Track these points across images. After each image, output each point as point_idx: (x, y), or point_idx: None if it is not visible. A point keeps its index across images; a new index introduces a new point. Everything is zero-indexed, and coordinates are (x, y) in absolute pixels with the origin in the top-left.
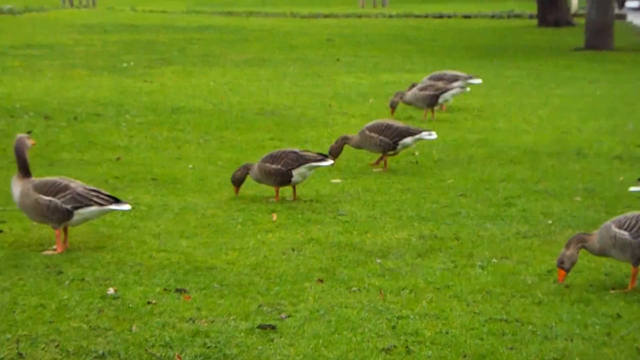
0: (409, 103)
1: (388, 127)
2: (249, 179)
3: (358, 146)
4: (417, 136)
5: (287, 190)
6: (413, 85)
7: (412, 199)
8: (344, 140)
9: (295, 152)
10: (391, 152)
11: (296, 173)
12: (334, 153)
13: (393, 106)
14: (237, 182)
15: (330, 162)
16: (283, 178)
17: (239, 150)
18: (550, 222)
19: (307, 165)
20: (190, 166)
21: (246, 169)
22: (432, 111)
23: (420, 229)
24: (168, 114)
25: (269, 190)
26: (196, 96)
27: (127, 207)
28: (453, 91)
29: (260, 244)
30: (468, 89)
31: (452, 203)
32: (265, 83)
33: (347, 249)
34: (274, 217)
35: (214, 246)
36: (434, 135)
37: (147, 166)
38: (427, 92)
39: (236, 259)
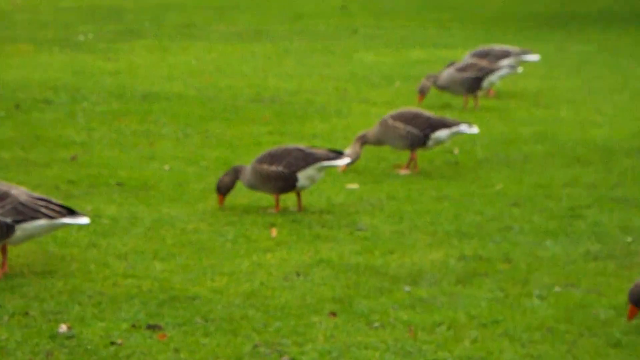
0: (444, 88)
1: (417, 116)
2: (239, 185)
3: (378, 140)
4: (454, 129)
5: (289, 198)
6: (450, 65)
7: (450, 210)
8: (362, 141)
9: (300, 150)
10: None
11: (303, 176)
12: (353, 160)
13: (423, 92)
14: (225, 189)
15: (346, 160)
16: (286, 183)
17: (229, 147)
18: (629, 239)
19: (317, 165)
20: (167, 167)
21: (236, 173)
22: (475, 98)
23: (461, 248)
24: (138, 101)
25: (266, 198)
26: (174, 78)
27: (84, 220)
28: (501, 71)
29: (255, 267)
30: (520, 68)
31: (502, 215)
32: (262, 62)
33: (367, 274)
34: (274, 232)
35: (196, 270)
36: (475, 129)
37: (110, 168)
38: (467, 74)
39: (225, 287)
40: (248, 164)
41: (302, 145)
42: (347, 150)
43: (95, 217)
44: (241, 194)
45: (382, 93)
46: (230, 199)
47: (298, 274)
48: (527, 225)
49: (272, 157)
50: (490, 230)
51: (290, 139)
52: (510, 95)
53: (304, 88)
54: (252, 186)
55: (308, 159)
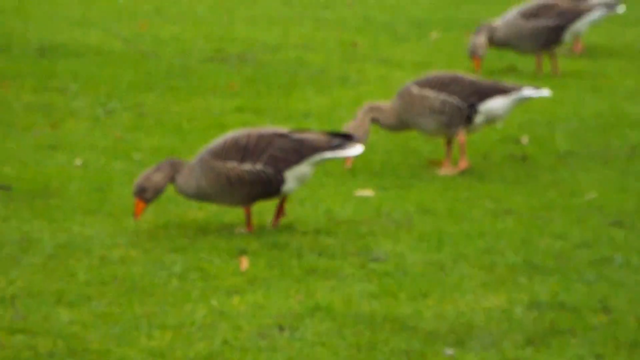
0: (505, 44)
1: (457, 80)
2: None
3: (398, 121)
4: (514, 96)
5: (266, 209)
6: (515, 8)
7: (516, 231)
8: (371, 114)
9: (284, 136)
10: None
11: (292, 176)
12: (361, 138)
13: (476, 54)
14: (152, 193)
15: (357, 148)
16: (265, 188)
17: (175, 131)
18: None
19: (315, 157)
20: (78, 162)
21: (172, 171)
22: (553, 57)
23: (532, 289)
24: (32, 58)
25: (231, 212)
26: (89, 23)
27: None
28: (592, 15)
29: (216, 316)
30: (621, 7)
31: (596, 239)
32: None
33: (387, 328)
34: (244, 263)
35: (124, 321)
36: (545, 92)
37: None
38: (539, 21)
39: (169, 347)
40: (190, 159)
41: (282, 128)
42: (349, 125)
43: None
44: (193, 202)
45: (412, 50)
46: (177, 211)
47: (281, 328)
48: (636, 255)
49: (241, 150)
50: (579, 263)
51: (269, 118)
52: (610, 53)
53: (291, 41)
54: (201, 195)
55: (302, 149)
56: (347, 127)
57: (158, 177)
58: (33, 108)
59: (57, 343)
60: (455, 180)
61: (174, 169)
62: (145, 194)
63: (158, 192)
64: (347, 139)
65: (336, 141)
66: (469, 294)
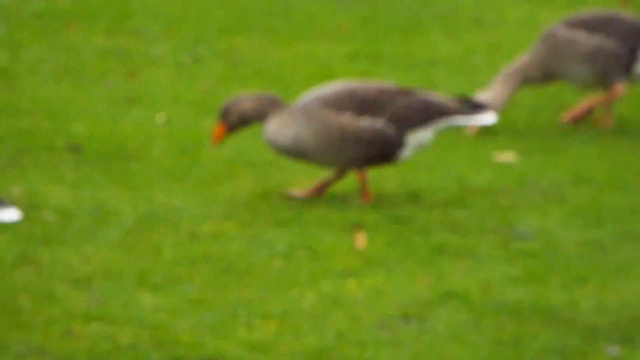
0: None
1: (614, 20)
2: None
3: (544, 71)
4: None
5: (383, 177)
6: None
7: None
8: (512, 81)
9: (409, 94)
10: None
11: (414, 140)
12: (495, 106)
13: None
14: (237, 121)
15: (492, 116)
16: (382, 151)
17: (275, 81)
18: None
19: (443, 122)
20: (161, 119)
21: (267, 106)
22: None
23: None
24: None
25: (344, 180)
26: None
27: (10, 214)
28: None
29: (329, 303)
30: None
31: None
32: None
33: (536, 321)
34: (361, 240)
35: (220, 308)
36: None
37: (56, 118)
38: None
39: (273, 340)
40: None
41: (399, 85)
42: (482, 96)
43: (30, 208)
44: (299, 167)
45: None
46: (279, 178)
47: (407, 319)
48: None
49: (358, 102)
50: None
51: (388, 67)
52: None
53: None
54: (296, 148)
55: (430, 110)
56: (480, 98)
57: (248, 105)
58: (106, 54)
59: (141, 333)
60: (617, 143)
61: (271, 106)
62: (229, 118)
63: (243, 120)
64: (480, 107)
65: (467, 108)
66: (637, 281)
